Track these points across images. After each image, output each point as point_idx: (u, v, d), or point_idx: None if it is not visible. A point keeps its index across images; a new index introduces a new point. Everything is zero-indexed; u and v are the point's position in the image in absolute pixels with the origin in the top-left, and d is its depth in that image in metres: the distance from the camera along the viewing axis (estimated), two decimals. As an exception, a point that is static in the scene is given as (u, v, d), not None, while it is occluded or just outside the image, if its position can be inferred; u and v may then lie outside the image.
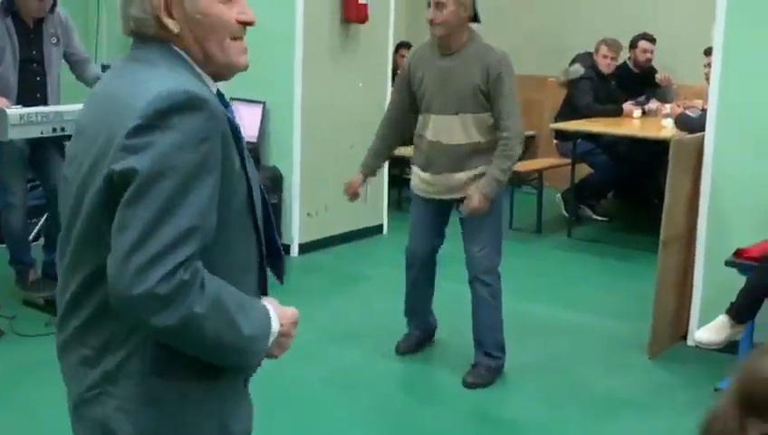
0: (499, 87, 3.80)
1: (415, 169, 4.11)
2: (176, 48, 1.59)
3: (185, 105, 1.47)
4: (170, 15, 1.57)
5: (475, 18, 3.86)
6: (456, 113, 3.88)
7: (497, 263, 4.07)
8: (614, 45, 7.21)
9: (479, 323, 4.08)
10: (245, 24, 1.62)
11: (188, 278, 1.44)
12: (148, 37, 1.60)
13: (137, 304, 1.43)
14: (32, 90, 4.74)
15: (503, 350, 4.12)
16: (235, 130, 1.58)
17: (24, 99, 4.67)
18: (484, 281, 4.02)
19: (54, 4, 4.78)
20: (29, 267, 5.04)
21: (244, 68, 1.66)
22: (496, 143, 3.86)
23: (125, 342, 1.56)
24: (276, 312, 1.63)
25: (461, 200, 3.94)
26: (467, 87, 3.83)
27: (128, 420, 1.57)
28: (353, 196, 4.21)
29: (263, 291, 1.71)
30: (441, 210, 4.12)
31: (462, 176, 3.93)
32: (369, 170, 4.23)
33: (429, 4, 3.81)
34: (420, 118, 4.03)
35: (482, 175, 3.89)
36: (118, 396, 1.58)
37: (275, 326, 1.61)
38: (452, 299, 4.52)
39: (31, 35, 4.76)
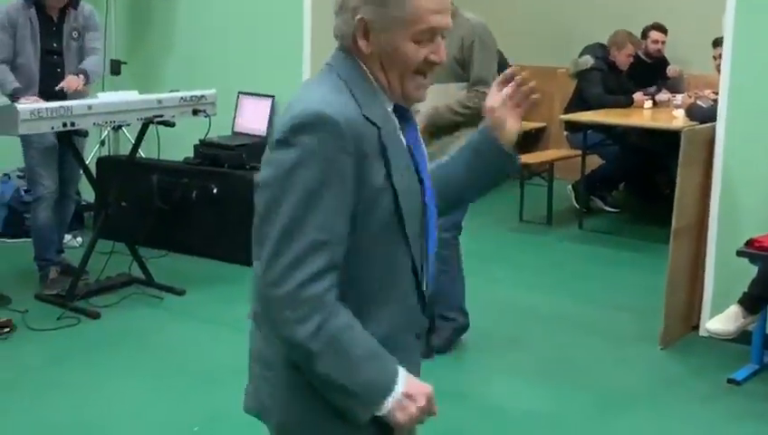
0: (472, 54, 4.06)
1: None
2: (363, 66, 1.68)
3: (309, 125, 1.55)
4: (366, 38, 1.65)
5: None
6: (432, 83, 3.96)
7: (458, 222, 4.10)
8: (638, 43, 7.23)
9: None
10: (433, 63, 1.69)
11: (320, 292, 1.53)
12: (345, 48, 1.69)
13: (273, 304, 1.55)
14: (52, 81, 4.81)
15: (459, 311, 4.22)
16: (384, 147, 1.63)
17: (46, 89, 4.76)
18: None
19: (77, 0, 4.88)
20: (50, 265, 5.03)
21: (419, 101, 1.75)
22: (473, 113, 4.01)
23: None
24: (405, 377, 1.62)
25: None
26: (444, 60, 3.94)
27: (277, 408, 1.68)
28: None
29: (421, 301, 1.74)
30: None
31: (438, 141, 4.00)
32: None
33: None
34: None
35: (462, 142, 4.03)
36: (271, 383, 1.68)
37: (399, 387, 1.59)
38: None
39: (53, 28, 4.85)
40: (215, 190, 5.63)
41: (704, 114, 5.77)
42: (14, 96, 4.68)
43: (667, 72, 7.49)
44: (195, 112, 5.05)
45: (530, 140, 8.09)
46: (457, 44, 4.04)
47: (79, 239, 5.87)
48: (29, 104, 4.46)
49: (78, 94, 4.82)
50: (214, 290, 5.09)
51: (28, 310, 4.64)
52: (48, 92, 4.73)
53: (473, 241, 4.29)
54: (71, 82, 4.77)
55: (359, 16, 1.63)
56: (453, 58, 4.00)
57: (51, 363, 4.11)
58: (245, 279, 5.39)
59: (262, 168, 1.61)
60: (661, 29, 7.40)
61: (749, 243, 4.09)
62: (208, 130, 5.28)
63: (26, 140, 4.86)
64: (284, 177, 1.54)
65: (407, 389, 1.60)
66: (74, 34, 4.90)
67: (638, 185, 7.56)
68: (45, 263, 5.03)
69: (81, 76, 4.82)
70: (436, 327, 4.09)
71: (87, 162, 5.24)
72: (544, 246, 6.28)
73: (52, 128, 4.46)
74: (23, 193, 5.81)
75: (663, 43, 7.42)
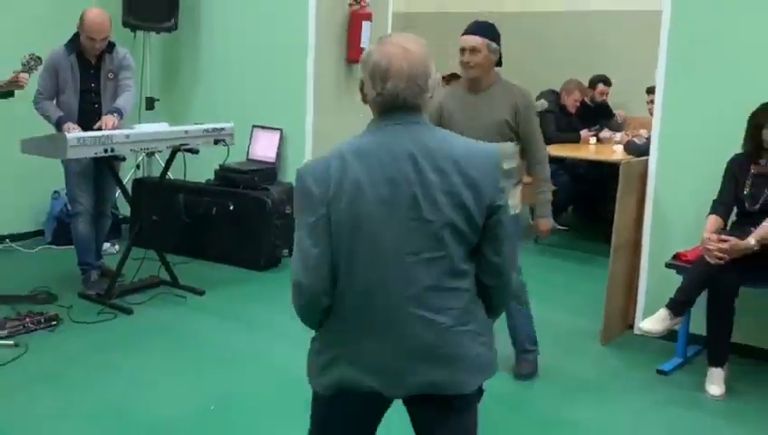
0: (528, 119, 3.72)
1: None
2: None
3: None
4: None
5: (498, 62, 3.75)
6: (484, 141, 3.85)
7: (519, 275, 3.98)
8: (584, 90, 7.29)
9: (512, 326, 3.98)
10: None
11: None
12: (417, 107, 1.85)
13: (510, 287, 2.00)
14: (90, 115, 4.75)
15: (535, 343, 4.01)
16: None
17: (84, 122, 4.69)
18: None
19: (112, 46, 4.80)
20: (91, 269, 5.00)
21: None
22: (516, 168, 3.81)
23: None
24: None
25: None
26: (494, 122, 3.69)
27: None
28: None
29: None
30: None
31: None
32: None
33: (464, 50, 3.66)
34: None
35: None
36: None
37: None
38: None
39: (91, 70, 4.79)
40: (231, 207, 5.62)
41: (639, 149, 5.81)
42: (60, 124, 4.64)
43: (617, 116, 7.56)
44: (216, 142, 5.05)
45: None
46: (510, 111, 3.68)
47: (116, 247, 5.84)
48: (75, 133, 4.45)
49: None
50: (229, 291, 5.07)
51: (72, 306, 4.62)
52: (85, 124, 4.65)
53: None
54: (107, 121, 4.62)
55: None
56: (505, 122, 3.67)
57: (92, 351, 4.08)
58: (255, 282, 5.44)
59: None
60: (606, 82, 7.48)
61: (676, 257, 4.12)
62: (227, 156, 5.28)
63: (65, 165, 4.83)
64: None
65: None
66: (110, 75, 4.81)
67: (585, 207, 7.58)
68: (86, 267, 5.00)
69: (116, 114, 4.69)
70: (522, 359, 3.97)
71: (124, 182, 5.22)
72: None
73: (95, 153, 4.44)
74: (69, 208, 5.79)
75: (607, 94, 7.51)
